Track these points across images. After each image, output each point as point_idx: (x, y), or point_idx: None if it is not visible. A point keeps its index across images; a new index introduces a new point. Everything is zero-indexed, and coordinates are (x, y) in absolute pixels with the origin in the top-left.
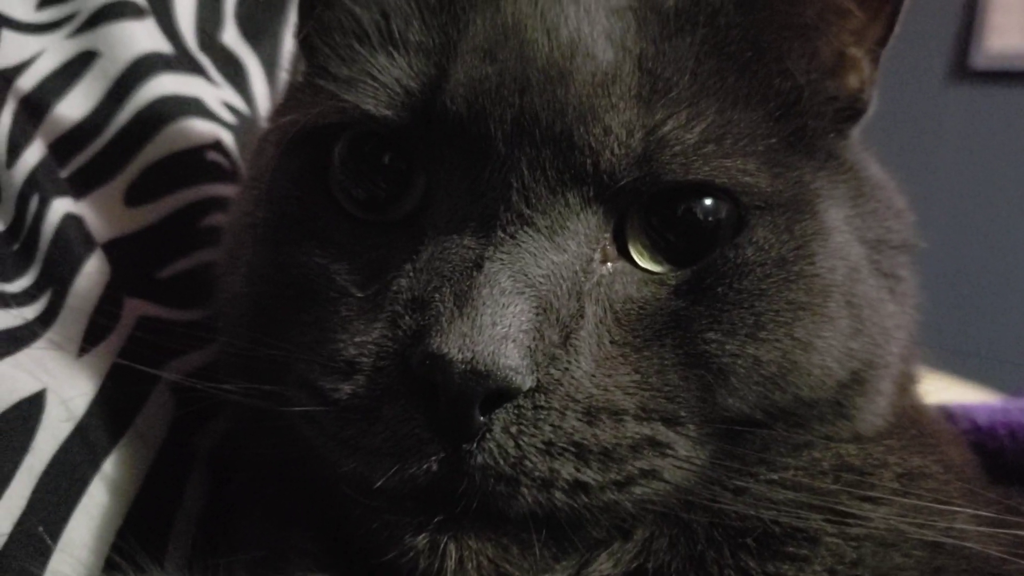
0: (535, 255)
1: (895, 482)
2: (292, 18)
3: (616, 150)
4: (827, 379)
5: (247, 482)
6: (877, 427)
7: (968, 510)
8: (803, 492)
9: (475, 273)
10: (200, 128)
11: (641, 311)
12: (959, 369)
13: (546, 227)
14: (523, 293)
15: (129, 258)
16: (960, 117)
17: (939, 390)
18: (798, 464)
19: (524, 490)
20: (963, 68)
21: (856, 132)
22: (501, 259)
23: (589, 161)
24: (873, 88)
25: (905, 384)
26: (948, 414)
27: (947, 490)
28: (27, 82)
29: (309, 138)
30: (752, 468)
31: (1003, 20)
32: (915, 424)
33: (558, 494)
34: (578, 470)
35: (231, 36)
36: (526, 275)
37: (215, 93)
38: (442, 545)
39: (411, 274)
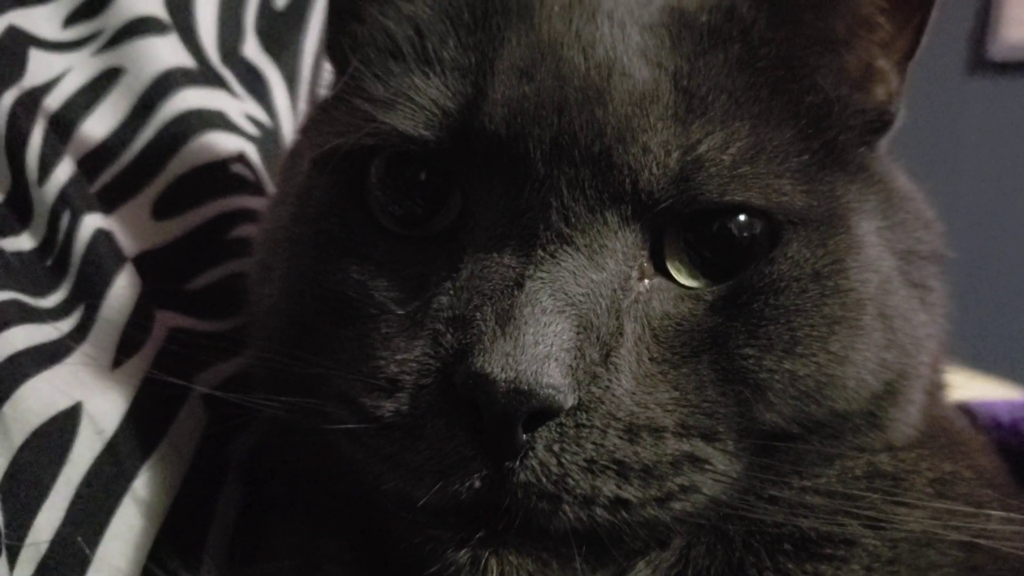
0: (575, 274)
1: (928, 487)
2: (312, 30)
3: (654, 170)
4: (862, 391)
5: (281, 491)
6: (908, 436)
7: (1000, 513)
8: (837, 499)
9: (516, 292)
10: (224, 141)
11: (678, 327)
12: (981, 363)
13: (585, 246)
14: (564, 312)
15: (159, 271)
16: (978, 109)
17: (964, 385)
18: (830, 472)
19: (566, 507)
20: (980, 60)
21: (884, 144)
22: (541, 278)
23: (628, 181)
24: (900, 100)
25: (935, 392)
26: (969, 411)
27: (979, 494)
28: (55, 100)
29: (346, 156)
30: (786, 478)
31: (1020, 11)
32: (945, 432)
33: (599, 511)
34: (619, 487)
35: (252, 49)
36: (566, 294)
37: (238, 106)
38: (483, 560)
39: (451, 292)
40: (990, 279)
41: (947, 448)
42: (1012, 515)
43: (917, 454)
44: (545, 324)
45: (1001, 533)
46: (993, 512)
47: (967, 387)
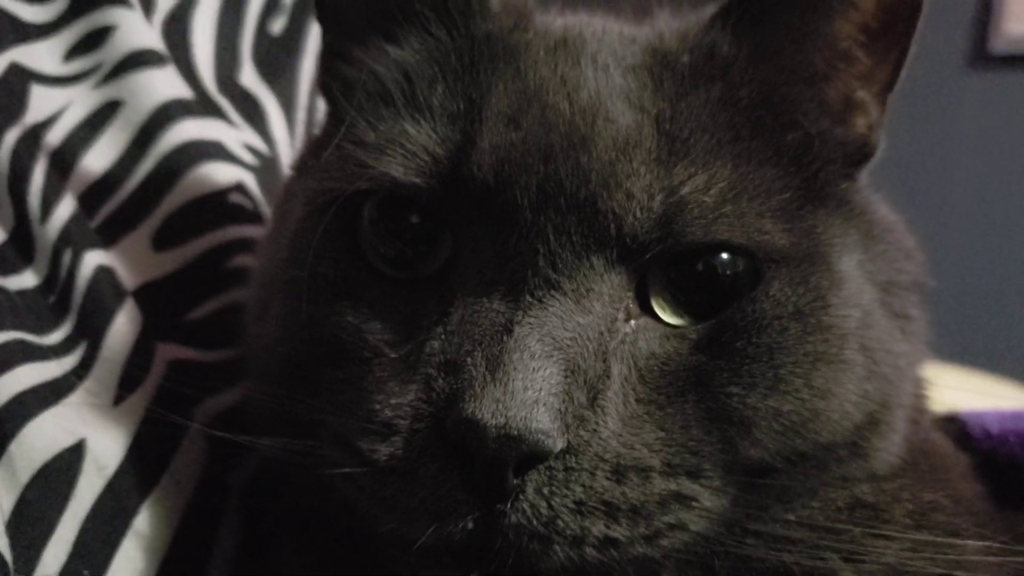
0: (562, 318)
1: (907, 518)
2: (308, 55)
3: (638, 214)
4: (845, 423)
5: (279, 523)
6: (891, 464)
7: (977, 542)
8: (819, 532)
9: (505, 338)
10: (222, 171)
11: (664, 367)
12: (980, 358)
13: (572, 290)
14: (552, 356)
15: (159, 303)
16: (979, 102)
17: (962, 384)
18: (814, 505)
19: (556, 547)
20: (982, 53)
21: (865, 175)
22: (530, 323)
23: (613, 226)
24: (881, 131)
25: (917, 419)
26: (959, 421)
27: (957, 523)
28: (56, 135)
29: (338, 200)
30: (771, 511)
31: (1021, 5)
32: (927, 458)
33: (589, 550)
34: (608, 527)
35: (249, 77)
36: (554, 338)
37: (235, 135)
38: None
39: (443, 336)
40: (990, 274)
41: (928, 476)
42: (988, 544)
43: (899, 484)
44: (534, 369)
45: (976, 564)
46: (970, 542)
47: (964, 385)
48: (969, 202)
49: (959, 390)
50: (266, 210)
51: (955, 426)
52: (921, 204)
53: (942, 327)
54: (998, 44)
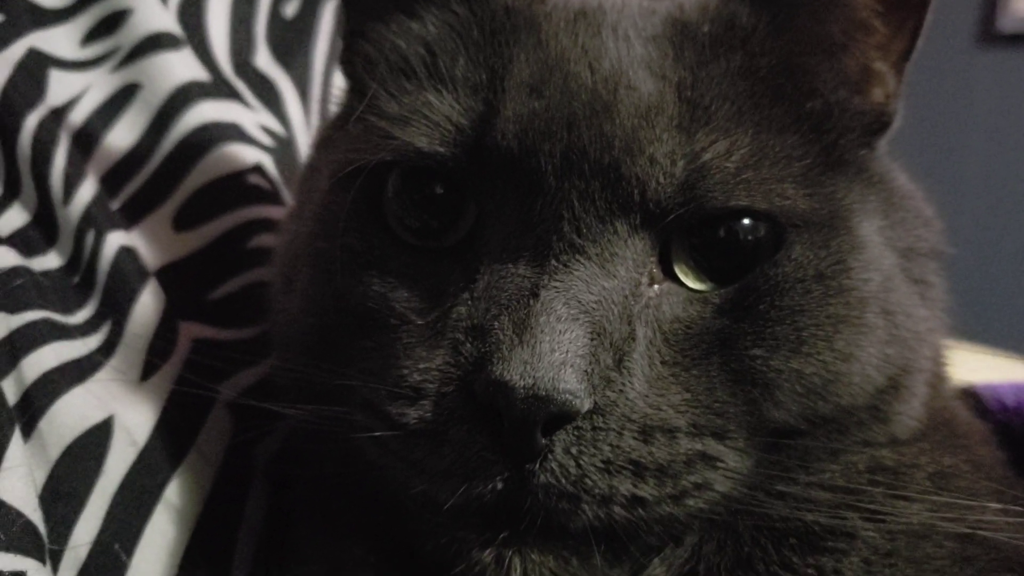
0: (587, 282)
1: (927, 481)
2: (321, 38)
3: (661, 179)
4: (867, 386)
5: (306, 493)
6: (912, 429)
7: (996, 505)
8: (840, 493)
9: (531, 301)
10: (240, 153)
11: (688, 330)
12: (992, 338)
13: (596, 255)
14: (578, 319)
15: (181, 282)
16: (988, 81)
17: (977, 363)
18: (834, 467)
19: (585, 506)
20: (990, 32)
21: (884, 144)
22: (555, 287)
23: (636, 191)
24: (899, 101)
25: (937, 385)
26: (975, 394)
27: (976, 487)
28: (76, 118)
29: (362, 172)
30: (792, 473)
31: None
32: (947, 424)
33: (617, 509)
34: (635, 486)
35: (264, 59)
36: (580, 302)
37: (252, 117)
38: (507, 559)
39: (469, 302)
40: (1001, 252)
41: (948, 441)
42: (1008, 507)
43: (918, 448)
44: (560, 332)
45: (996, 524)
46: (989, 504)
47: (979, 365)
48: (978, 182)
49: (975, 354)
50: (284, 191)
51: (970, 399)
52: (930, 183)
53: (952, 305)
54: (1006, 22)
